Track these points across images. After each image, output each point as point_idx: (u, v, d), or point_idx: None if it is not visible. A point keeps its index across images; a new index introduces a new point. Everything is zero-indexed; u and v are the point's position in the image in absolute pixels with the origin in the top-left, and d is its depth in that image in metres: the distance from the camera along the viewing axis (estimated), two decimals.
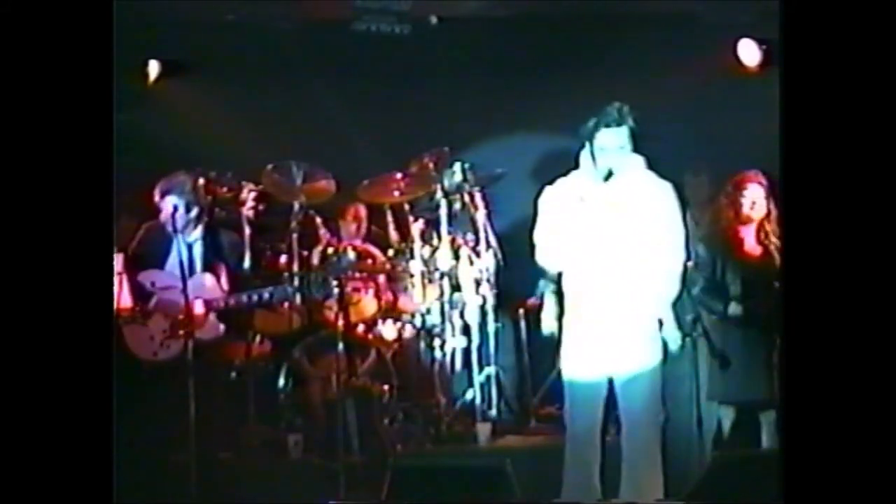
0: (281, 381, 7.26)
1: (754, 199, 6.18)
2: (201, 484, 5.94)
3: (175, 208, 6.27)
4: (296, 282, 6.48)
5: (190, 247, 6.34)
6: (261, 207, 7.18)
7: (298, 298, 6.54)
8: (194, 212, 6.36)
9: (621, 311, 5.52)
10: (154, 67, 8.25)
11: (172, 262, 6.31)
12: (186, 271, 6.19)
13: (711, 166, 7.79)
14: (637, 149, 5.60)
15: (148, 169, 6.73)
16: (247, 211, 7.11)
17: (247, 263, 6.86)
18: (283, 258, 7.18)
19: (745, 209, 6.20)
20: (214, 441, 6.20)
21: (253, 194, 7.15)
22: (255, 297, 6.31)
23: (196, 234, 6.36)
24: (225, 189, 7.30)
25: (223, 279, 6.33)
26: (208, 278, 6.28)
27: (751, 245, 6.20)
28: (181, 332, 6.10)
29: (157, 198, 6.36)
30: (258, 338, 7.29)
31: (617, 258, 5.51)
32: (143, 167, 6.73)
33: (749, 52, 8.13)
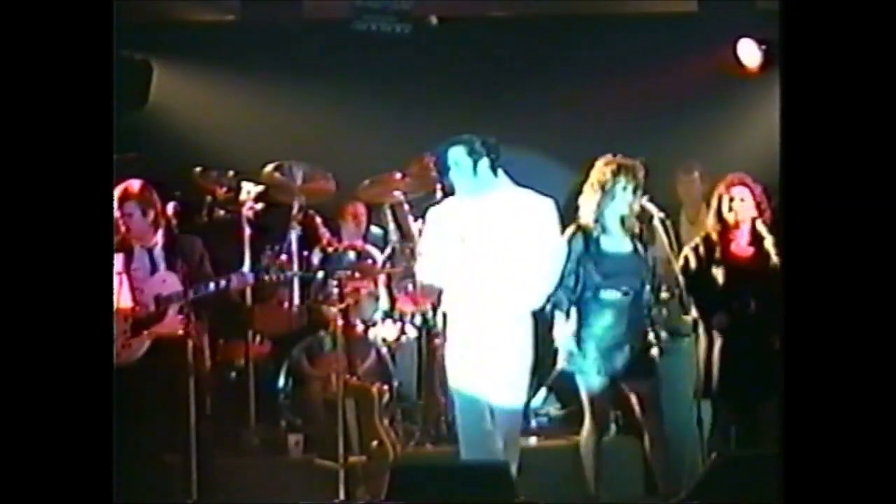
0: (281, 381, 7.27)
1: (741, 200, 6.19)
2: (201, 484, 5.95)
3: (131, 215, 6.23)
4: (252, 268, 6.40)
5: (150, 252, 6.28)
6: (261, 207, 7.18)
7: (252, 279, 6.45)
8: (150, 217, 6.29)
9: (491, 319, 5.72)
10: (154, 67, 8.25)
11: (135, 265, 6.26)
12: (149, 273, 6.18)
13: (711, 166, 7.81)
14: (494, 165, 5.84)
15: (148, 169, 6.72)
16: (247, 211, 7.11)
17: (246, 264, 6.85)
18: (283, 258, 7.18)
19: (732, 211, 6.21)
20: (201, 438, 6.17)
21: (253, 194, 7.15)
22: (211, 287, 6.23)
23: (155, 239, 6.30)
24: (224, 189, 7.31)
25: (181, 276, 6.24)
26: (166, 275, 6.23)
27: (743, 246, 6.21)
28: (145, 330, 6.11)
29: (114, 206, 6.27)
30: (258, 338, 7.30)
31: (483, 272, 5.72)
32: (143, 167, 6.72)
33: (749, 52, 8.13)
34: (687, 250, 6.26)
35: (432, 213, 5.99)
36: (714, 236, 6.25)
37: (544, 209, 5.81)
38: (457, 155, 5.82)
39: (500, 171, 5.88)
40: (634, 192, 5.85)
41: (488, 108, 8.36)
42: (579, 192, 5.94)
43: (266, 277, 6.41)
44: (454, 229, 5.80)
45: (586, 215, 5.87)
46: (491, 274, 5.71)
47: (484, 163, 5.81)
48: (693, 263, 6.20)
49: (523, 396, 5.84)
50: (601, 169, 5.88)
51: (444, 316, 6.05)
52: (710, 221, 6.29)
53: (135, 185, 6.27)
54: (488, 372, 5.72)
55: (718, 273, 6.16)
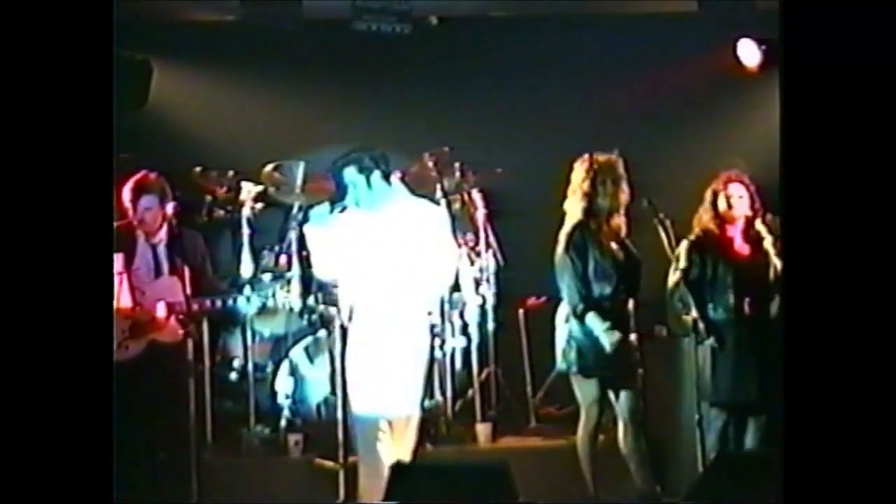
0: (281, 381, 7.26)
1: (735, 197, 6.17)
2: (201, 484, 5.95)
3: (150, 209, 6.21)
4: (254, 289, 6.43)
5: (154, 248, 6.27)
6: (260, 207, 7.18)
7: (255, 309, 6.50)
8: (162, 213, 6.27)
9: (388, 317, 5.95)
10: (154, 67, 8.24)
11: (137, 263, 6.24)
12: (152, 273, 6.18)
13: (710, 166, 7.80)
14: (387, 176, 6.04)
15: (148, 169, 6.71)
16: (247, 211, 7.10)
17: (247, 264, 6.85)
18: (283, 258, 7.18)
19: (727, 208, 6.19)
20: (201, 439, 6.17)
21: (253, 194, 7.14)
22: (218, 304, 6.25)
23: (160, 235, 6.28)
24: (225, 189, 7.30)
25: (186, 282, 6.17)
26: (171, 281, 6.21)
27: (738, 244, 6.19)
28: (145, 334, 6.10)
29: (128, 198, 6.25)
30: (258, 338, 7.29)
31: (384, 279, 5.94)
32: (143, 167, 6.72)
33: (749, 52, 8.13)
34: (681, 248, 6.23)
35: (327, 230, 6.06)
36: (709, 232, 6.22)
37: (436, 217, 6.08)
38: (349, 175, 5.99)
39: (394, 181, 6.09)
40: (615, 186, 5.91)
41: (488, 108, 8.37)
42: (562, 194, 6.02)
43: (271, 302, 6.48)
44: (360, 242, 5.97)
45: (571, 217, 5.99)
46: (391, 280, 5.90)
47: (376, 175, 5.98)
48: (687, 260, 6.17)
49: (416, 393, 6.00)
50: (578, 170, 6.00)
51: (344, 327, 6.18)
52: (705, 217, 6.25)
53: (151, 175, 6.26)
54: (389, 374, 5.93)
55: (713, 270, 6.14)
